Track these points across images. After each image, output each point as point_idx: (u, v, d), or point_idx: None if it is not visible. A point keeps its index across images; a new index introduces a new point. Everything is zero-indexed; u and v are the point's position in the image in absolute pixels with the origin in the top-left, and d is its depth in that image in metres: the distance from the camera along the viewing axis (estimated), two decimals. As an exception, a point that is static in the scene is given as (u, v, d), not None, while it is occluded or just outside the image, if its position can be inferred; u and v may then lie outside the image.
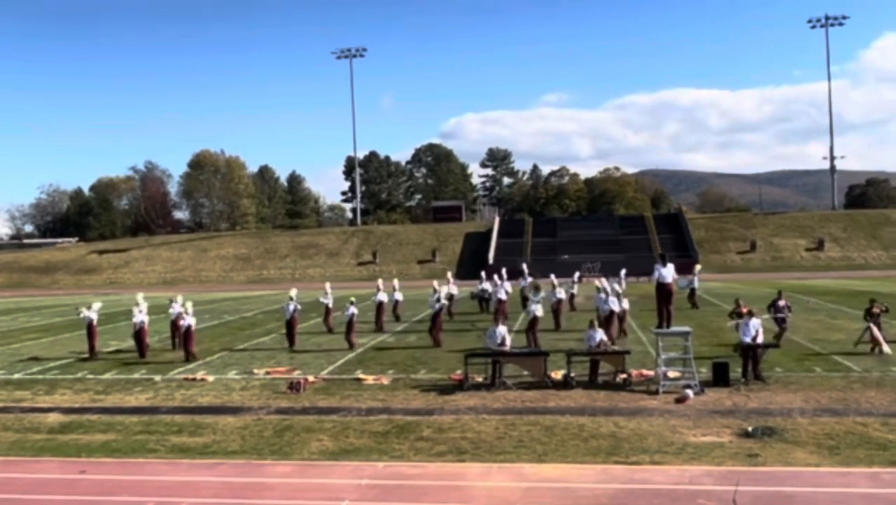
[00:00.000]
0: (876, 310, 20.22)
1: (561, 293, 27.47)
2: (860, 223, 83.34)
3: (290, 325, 24.28)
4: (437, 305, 24.45)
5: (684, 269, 64.31)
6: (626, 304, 22.80)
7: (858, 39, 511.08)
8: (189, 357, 22.00)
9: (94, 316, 23.65)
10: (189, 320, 22.46)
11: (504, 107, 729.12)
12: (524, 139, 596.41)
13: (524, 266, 37.06)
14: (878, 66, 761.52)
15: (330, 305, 28.63)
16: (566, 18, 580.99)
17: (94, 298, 30.04)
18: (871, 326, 19.98)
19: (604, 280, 25.42)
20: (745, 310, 20.60)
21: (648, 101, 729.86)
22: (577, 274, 37.07)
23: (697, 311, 32.27)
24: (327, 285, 30.86)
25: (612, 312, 22.51)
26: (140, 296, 24.94)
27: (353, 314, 23.87)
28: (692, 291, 34.46)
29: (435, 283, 28.77)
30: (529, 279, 35.15)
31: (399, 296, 31.32)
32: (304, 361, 21.45)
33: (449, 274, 35.82)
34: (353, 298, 24.99)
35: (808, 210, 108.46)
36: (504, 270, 32.70)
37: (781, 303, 21.84)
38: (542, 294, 22.91)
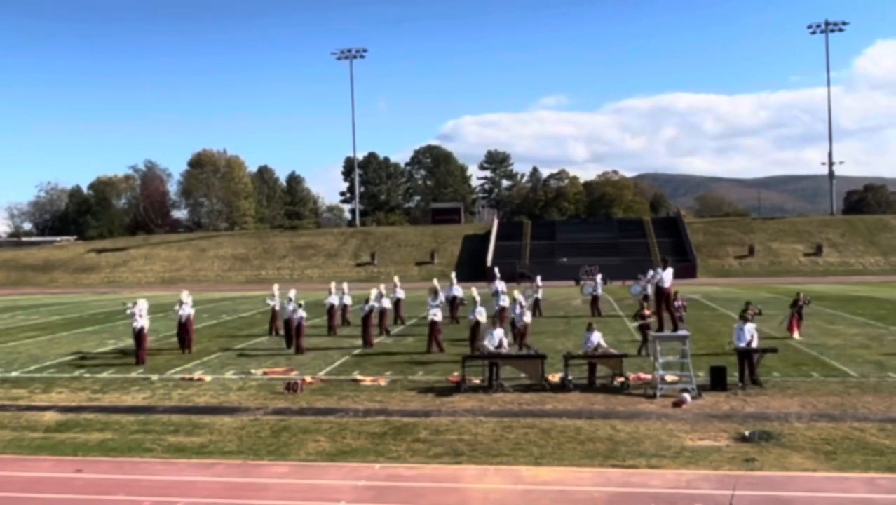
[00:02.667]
0: (750, 312, 21.76)
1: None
2: (858, 229, 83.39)
3: (288, 325, 24.26)
4: (367, 308, 24.55)
5: (686, 272, 64.79)
6: (527, 317, 21.95)
7: (851, 47, 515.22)
8: (139, 360, 21.62)
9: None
10: (142, 322, 21.99)
11: (502, 109, 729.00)
12: (521, 142, 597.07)
13: (496, 269, 36.84)
14: (871, 73, 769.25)
15: (277, 308, 27.82)
16: (564, 22, 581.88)
17: (140, 296, 29.96)
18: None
19: (517, 293, 24.79)
20: (647, 312, 22.24)
21: (646, 105, 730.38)
22: (599, 276, 36.92)
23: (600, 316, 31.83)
24: (275, 287, 29.86)
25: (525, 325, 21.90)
26: (185, 294, 25.21)
27: (301, 318, 23.45)
28: (595, 297, 33.96)
29: (382, 286, 28.43)
30: (500, 283, 34.56)
31: (347, 300, 30.36)
32: (302, 362, 21.43)
33: (396, 278, 34.70)
34: (301, 302, 24.43)
35: (807, 215, 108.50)
36: (454, 274, 31.60)
37: (678, 303, 24.46)
38: (441, 298, 22.68)
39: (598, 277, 36.20)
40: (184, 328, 24.16)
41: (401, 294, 32.13)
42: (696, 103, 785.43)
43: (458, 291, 31.55)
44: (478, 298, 23.16)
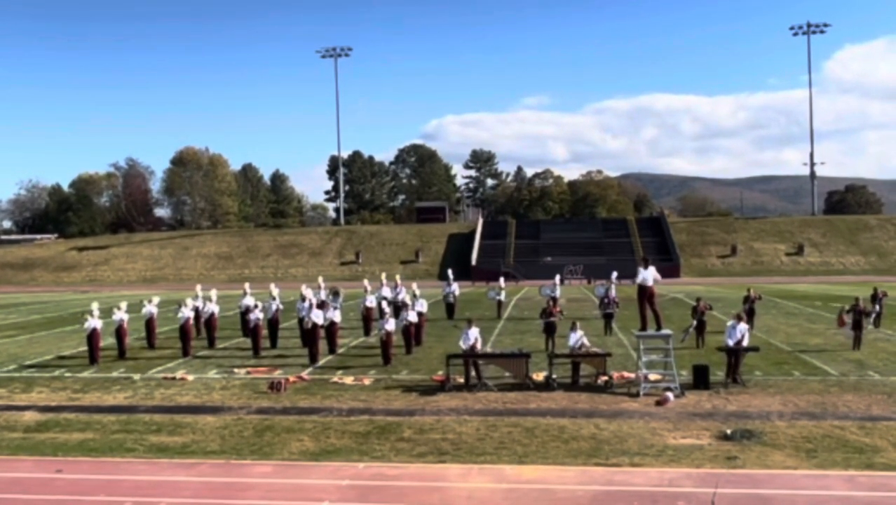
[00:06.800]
0: (701, 307, 22.73)
1: (371, 300, 26.26)
2: (839, 229, 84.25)
3: (272, 324, 24.15)
4: (275, 306, 24.08)
5: (670, 272, 65.12)
6: (391, 325, 20.65)
7: (821, 51, 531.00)
8: (93, 361, 21.33)
9: (154, 310, 24.45)
10: (94, 323, 21.53)
11: (484, 109, 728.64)
12: (503, 141, 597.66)
13: (449, 271, 36.63)
14: (840, 76, 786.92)
15: (202, 308, 25.22)
16: (546, 23, 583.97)
17: (154, 294, 29.21)
18: (694, 322, 22.12)
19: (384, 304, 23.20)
20: (556, 310, 23.12)
21: (627, 105, 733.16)
22: (557, 276, 36.88)
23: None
24: (198, 288, 27.51)
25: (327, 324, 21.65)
26: (213, 291, 25.29)
27: (258, 319, 22.92)
28: (554, 299, 33.50)
29: (276, 290, 26.36)
30: (455, 285, 33.80)
31: (250, 301, 26.70)
32: (286, 361, 21.35)
33: (320, 279, 32.77)
34: (258, 303, 23.79)
35: (789, 215, 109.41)
36: (384, 276, 30.76)
37: (608, 299, 26.71)
38: (342, 299, 22.37)
39: (557, 279, 36.02)
40: (209, 324, 24.60)
41: (323, 296, 27.08)
42: (676, 104, 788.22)
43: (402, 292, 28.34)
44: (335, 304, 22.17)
